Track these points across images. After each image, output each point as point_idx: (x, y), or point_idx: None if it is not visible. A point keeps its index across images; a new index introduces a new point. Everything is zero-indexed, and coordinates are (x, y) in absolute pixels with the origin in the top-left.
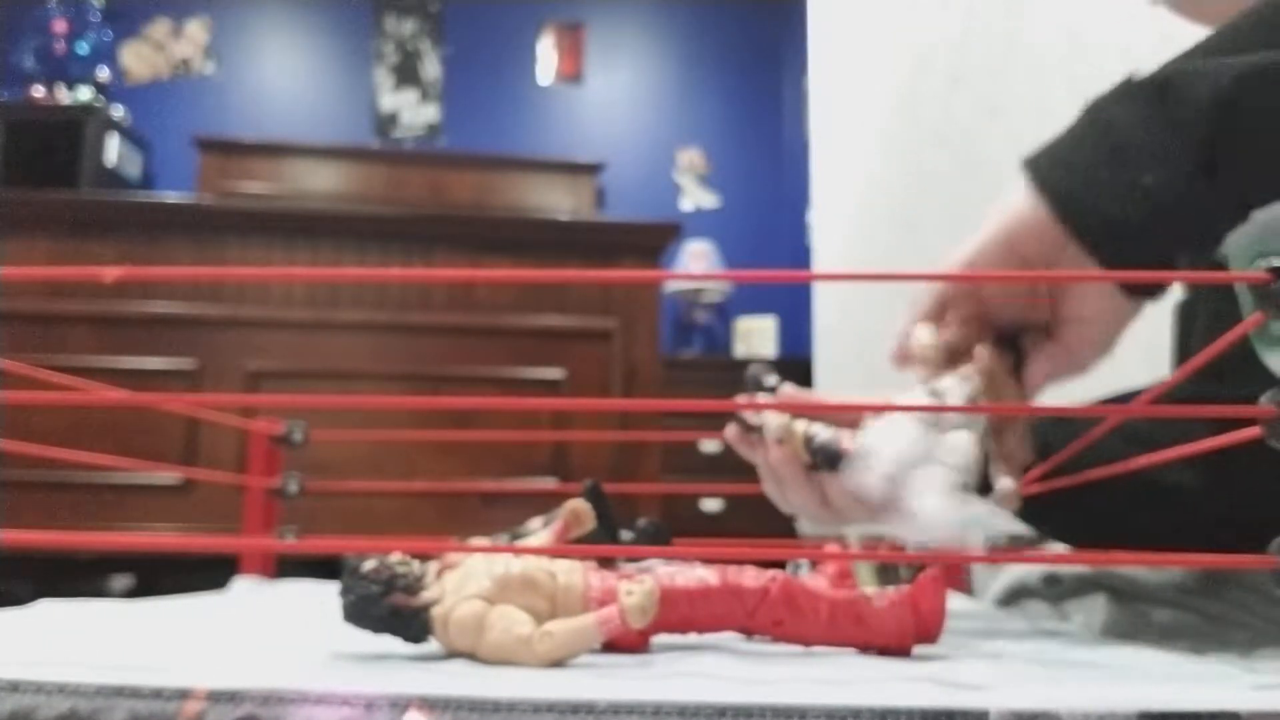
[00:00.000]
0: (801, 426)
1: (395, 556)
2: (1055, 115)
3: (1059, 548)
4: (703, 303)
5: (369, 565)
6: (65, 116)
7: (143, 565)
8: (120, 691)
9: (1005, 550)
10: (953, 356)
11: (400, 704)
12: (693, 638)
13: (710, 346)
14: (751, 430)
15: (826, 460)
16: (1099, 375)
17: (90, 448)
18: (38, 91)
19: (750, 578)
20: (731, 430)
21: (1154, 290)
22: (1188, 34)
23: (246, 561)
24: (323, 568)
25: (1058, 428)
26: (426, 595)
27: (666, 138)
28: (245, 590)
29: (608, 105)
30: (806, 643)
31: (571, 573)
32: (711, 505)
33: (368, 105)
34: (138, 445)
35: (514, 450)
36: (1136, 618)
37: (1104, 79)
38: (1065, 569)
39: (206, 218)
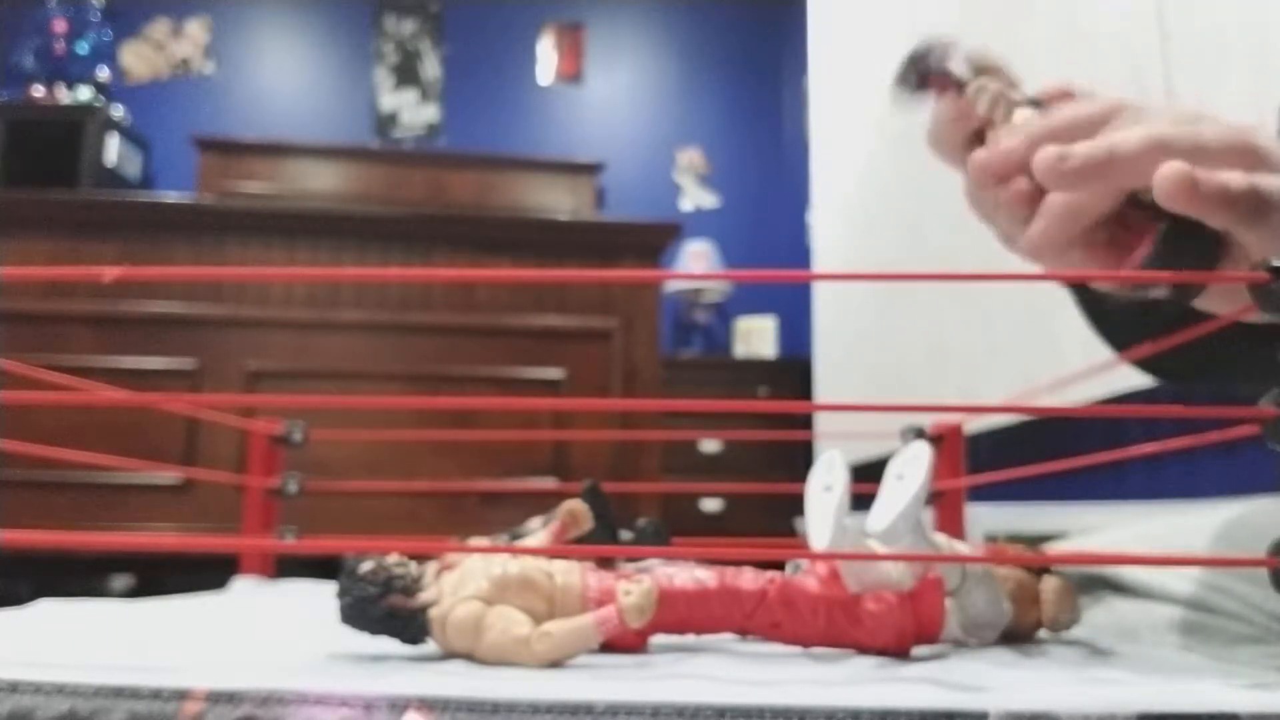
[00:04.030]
0: (1023, 116)
1: (393, 558)
2: None
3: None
4: (703, 303)
5: (366, 567)
6: (65, 116)
7: (143, 565)
8: (119, 692)
9: (1005, 550)
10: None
11: (399, 705)
12: (691, 639)
13: (710, 346)
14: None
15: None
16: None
17: (90, 448)
18: (38, 91)
19: (748, 580)
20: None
21: None
22: (1188, 34)
23: (246, 561)
24: (322, 568)
25: None
26: (424, 596)
27: (666, 138)
28: (245, 590)
29: (608, 105)
30: (804, 644)
31: (569, 573)
32: (711, 505)
33: (368, 105)
34: (138, 445)
35: (514, 450)
36: (1138, 616)
37: (1104, 78)
38: (1065, 567)
39: (206, 218)
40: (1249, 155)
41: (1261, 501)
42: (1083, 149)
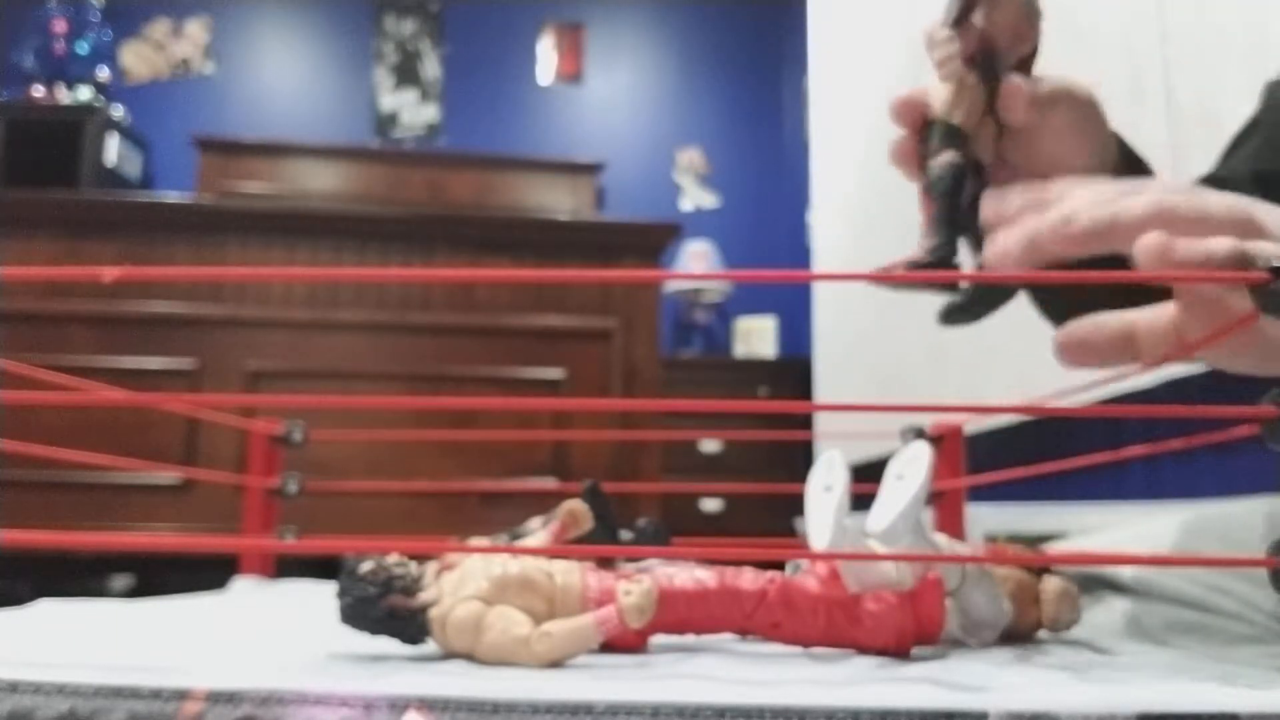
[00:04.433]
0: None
1: (393, 557)
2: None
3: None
4: (703, 303)
5: (366, 567)
6: (65, 116)
7: (143, 565)
8: (119, 692)
9: (1005, 550)
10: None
11: (399, 705)
12: (691, 639)
13: (710, 346)
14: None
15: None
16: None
17: (90, 448)
18: (38, 91)
19: (748, 579)
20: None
21: None
22: (1188, 33)
23: (246, 561)
24: (322, 568)
25: None
26: (424, 596)
27: (666, 138)
28: (245, 590)
29: (608, 105)
30: (804, 644)
31: (569, 573)
32: (711, 505)
33: (368, 105)
34: (138, 445)
35: (514, 450)
36: (1138, 615)
37: (1104, 78)
38: (1065, 567)
39: (206, 218)
40: (1249, 226)
41: (1261, 501)
42: (1086, 217)
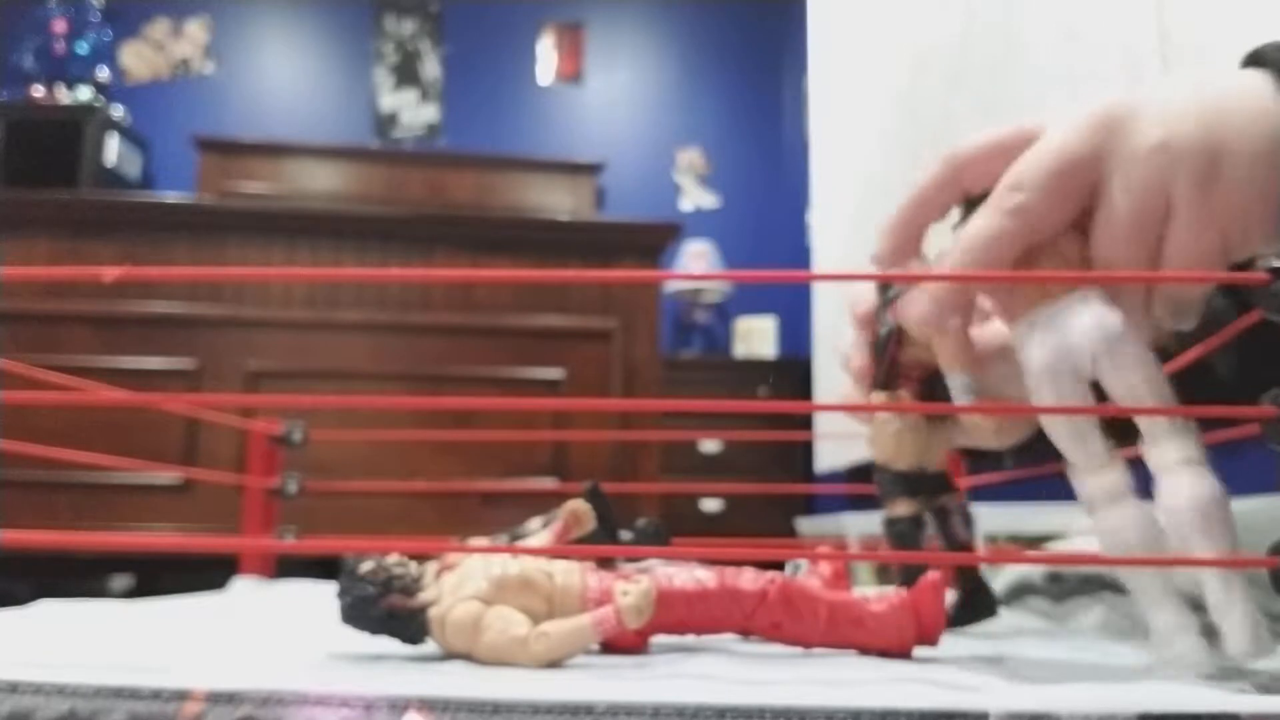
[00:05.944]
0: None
1: (393, 557)
2: (1054, 116)
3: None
4: (703, 303)
5: (366, 566)
6: (65, 116)
7: (143, 565)
8: (119, 692)
9: (1005, 550)
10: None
11: (399, 705)
12: (691, 639)
13: (710, 346)
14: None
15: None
16: None
17: (90, 448)
18: (38, 91)
19: (748, 580)
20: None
21: None
22: (1187, 34)
23: (246, 561)
24: (322, 568)
25: None
26: (424, 596)
27: (666, 138)
28: (244, 590)
29: (608, 105)
30: (805, 645)
31: (569, 573)
32: (711, 505)
33: (368, 105)
34: (138, 445)
35: (514, 450)
36: (1139, 615)
37: (1102, 79)
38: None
39: (206, 218)
40: None
41: (1261, 501)
42: None
